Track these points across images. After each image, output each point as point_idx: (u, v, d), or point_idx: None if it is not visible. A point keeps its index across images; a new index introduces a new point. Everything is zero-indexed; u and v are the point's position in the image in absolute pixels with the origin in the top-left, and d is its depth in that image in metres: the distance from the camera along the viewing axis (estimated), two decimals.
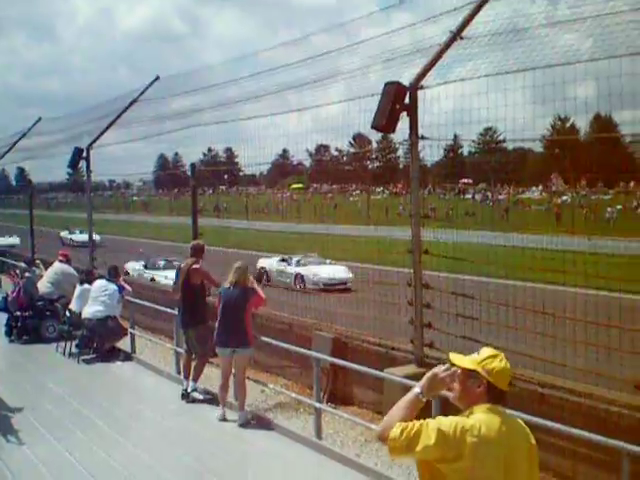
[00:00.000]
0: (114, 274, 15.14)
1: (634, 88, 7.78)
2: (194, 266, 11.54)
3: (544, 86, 8.65)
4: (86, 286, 15.16)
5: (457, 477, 3.65)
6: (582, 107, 8.86)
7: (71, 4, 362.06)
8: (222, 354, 10.56)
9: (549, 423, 7.05)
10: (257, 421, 10.46)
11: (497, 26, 9.47)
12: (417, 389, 4.00)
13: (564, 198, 33.47)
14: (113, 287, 14.62)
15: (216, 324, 10.58)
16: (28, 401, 11.33)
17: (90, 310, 14.34)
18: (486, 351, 3.95)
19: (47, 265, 18.40)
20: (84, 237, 23.69)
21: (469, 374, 3.86)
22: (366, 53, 11.36)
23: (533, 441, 4.02)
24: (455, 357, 3.98)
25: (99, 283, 14.85)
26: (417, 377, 9.29)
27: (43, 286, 16.47)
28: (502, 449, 3.72)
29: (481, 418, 3.75)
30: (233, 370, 10.62)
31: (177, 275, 11.95)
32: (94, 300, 14.46)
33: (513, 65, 8.91)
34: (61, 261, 17.10)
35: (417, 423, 3.73)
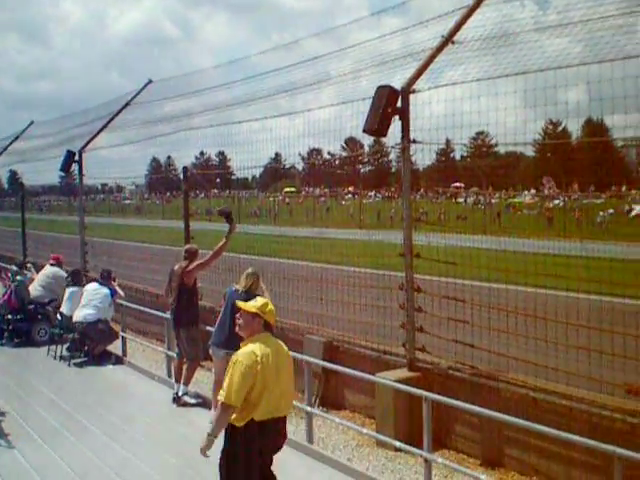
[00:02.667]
0: (107, 277, 15.10)
1: (625, 92, 7.80)
2: (187, 269, 11.52)
3: (535, 90, 8.68)
4: (74, 288, 15.12)
5: (257, 381, 6.08)
6: (574, 111, 8.91)
7: (63, 8, 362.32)
8: (216, 355, 10.53)
9: (541, 427, 7.06)
10: None
11: (488, 31, 9.52)
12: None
13: (556, 202, 33.56)
14: (105, 291, 14.60)
15: (216, 323, 10.56)
16: (19, 404, 11.32)
17: (81, 313, 14.31)
18: (260, 300, 6.57)
19: (38, 268, 18.35)
20: None
21: (253, 315, 6.33)
22: (357, 57, 11.41)
23: (289, 353, 6.64)
24: (242, 304, 6.48)
25: (91, 286, 14.81)
26: (409, 381, 9.35)
27: (34, 289, 16.44)
28: (274, 358, 6.26)
29: (262, 341, 6.28)
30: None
31: (170, 278, 11.92)
32: (86, 303, 14.43)
33: (504, 69, 8.93)
34: (52, 264, 17.06)
35: (228, 379, 6.09)
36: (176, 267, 11.82)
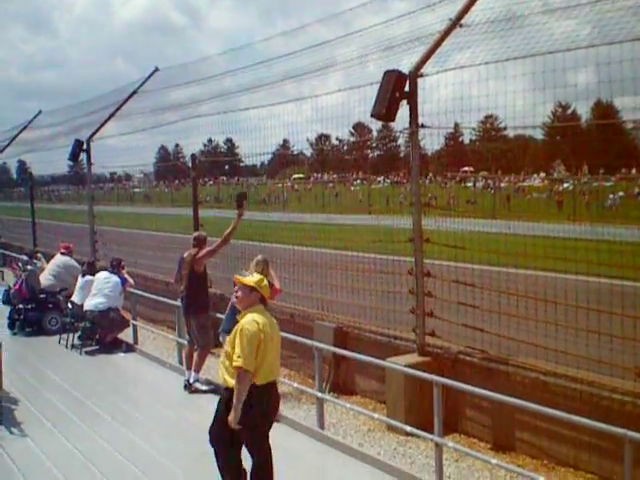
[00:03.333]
0: (117, 266, 15.14)
1: (635, 74, 7.74)
2: (197, 256, 11.52)
3: (544, 73, 8.62)
4: (88, 277, 15.16)
5: (260, 347, 6.60)
6: (583, 94, 8.84)
7: None
8: (226, 342, 10.56)
9: (552, 411, 7.05)
10: None
11: (496, 13, 9.44)
12: None
13: (565, 185, 33.38)
14: (115, 279, 14.64)
15: (226, 310, 10.59)
16: (31, 393, 11.37)
17: (92, 302, 14.36)
18: (257, 276, 7.25)
19: (48, 258, 18.40)
20: None
21: (251, 289, 6.87)
22: (364, 42, 11.34)
23: (276, 324, 7.15)
24: (241, 279, 7.01)
25: (102, 275, 14.86)
26: (419, 366, 9.36)
27: (45, 279, 16.49)
28: (270, 328, 6.84)
29: (259, 312, 6.83)
30: None
31: (180, 265, 11.93)
32: (97, 292, 14.49)
33: (512, 52, 8.88)
34: (63, 253, 17.11)
35: (239, 346, 6.56)
36: (185, 254, 11.83)
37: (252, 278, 7.07)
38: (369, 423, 9.98)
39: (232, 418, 6.59)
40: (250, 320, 6.70)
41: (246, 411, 6.58)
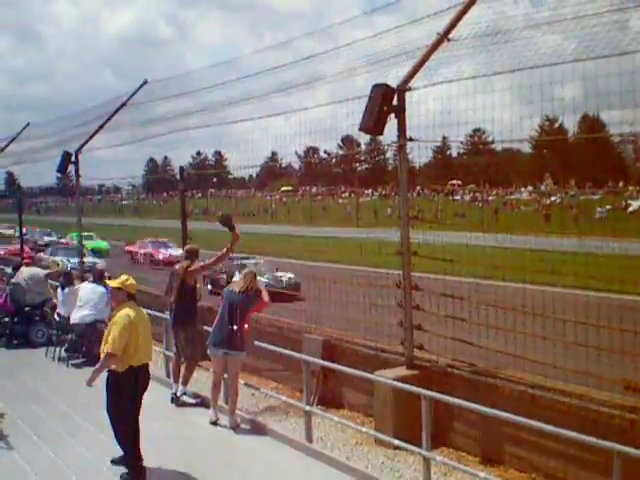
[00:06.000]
0: (99, 277, 15.01)
1: (621, 88, 7.78)
2: (190, 269, 11.53)
3: (531, 87, 8.65)
4: (68, 289, 15.07)
5: (133, 335, 8.09)
6: (570, 108, 8.88)
7: (56, 9, 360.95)
8: (214, 355, 10.55)
9: (540, 424, 7.05)
10: (248, 425, 10.44)
11: (483, 28, 9.48)
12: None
13: (553, 198, 33.50)
14: (101, 290, 14.50)
15: (214, 323, 10.59)
16: (18, 406, 11.30)
17: (79, 315, 14.28)
18: (123, 277, 8.55)
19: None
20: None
21: (118, 289, 8.39)
22: (351, 56, 11.37)
23: (146, 314, 8.69)
24: (108, 282, 9.06)
25: (87, 286, 14.79)
26: (408, 379, 9.34)
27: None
28: (141, 318, 8.34)
29: (129, 306, 8.29)
30: (225, 375, 10.62)
31: (171, 278, 11.92)
32: (83, 304, 14.40)
33: (499, 66, 8.91)
34: (27, 264, 17.19)
35: (111, 335, 8.06)
36: (177, 266, 11.84)
37: (118, 280, 8.58)
38: (357, 436, 9.94)
39: (88, 380, 8.33)
40: (123, 314, 8.20)
41: (118, 387, 8.22)
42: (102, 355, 8.18)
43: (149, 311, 14.11)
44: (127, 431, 8.36)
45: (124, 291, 8.42)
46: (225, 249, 11.35)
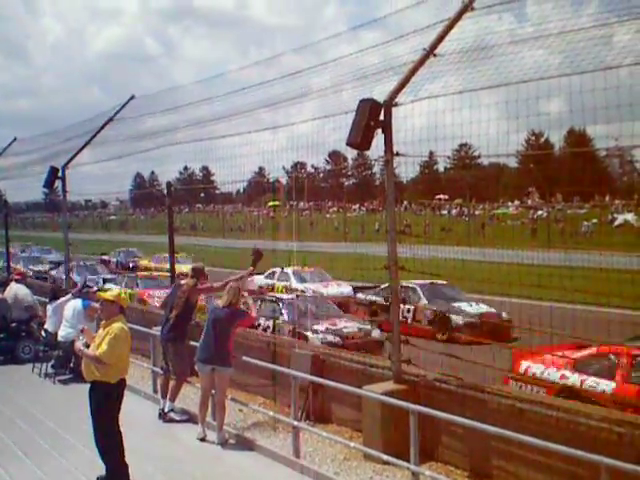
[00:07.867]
0: (86, 293, 14.90)
1: (607, 102, 7.84)
2: (198, 287, 11.66)
3: (516, 101, 8.70)
4: (56, 303, 15.00)
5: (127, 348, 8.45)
6: (556, 122, 8.94)
7: (42, 25, 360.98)
8: (202, 371, 10.54)
9: (528, 438, 7.06)
10: (235, 440, 10.40)
11: (468, 43, 9.53)
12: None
13: (539, 212, 33.69)
14: (77, 306, 14.34)
15: (200, 340, 10.58)
16: (3, 422, 11.24)
17: (63, 333, 14.20)
18: (115, 290, 9.91)
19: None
20: None
21: (112, 302, 8.49)
22: (338, 71, 11.41)
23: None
24: (102, 294, 8.91)
25: (68, 304, 14.68)
26: (396, 394, 9.33)
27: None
28: (129, 336, 8.47)
29: (121, 320, 8.43)
30: (213, 391, 10.59)
31: (173, 291, 11.94)
32: (65, 322, 14.33)
33: (485, 81, 8.96)
34: (17, 280, 17.10)
35: (108, 344, 8.08)
36: (182, 282, 11.88)
37: (111, 293, 9.06)
38: (345, 451, 9.91)
39: (76, 345, 8.70)
40: (120, 327, 8.35)
41: (110, 398, 8.30)
42: (94, 353, 8.17)
43: (136, 326, 14.19)
44: (114, 444, 8.37)
45: (117, 304, 8.57)
46: (236, 277, 11.71)
